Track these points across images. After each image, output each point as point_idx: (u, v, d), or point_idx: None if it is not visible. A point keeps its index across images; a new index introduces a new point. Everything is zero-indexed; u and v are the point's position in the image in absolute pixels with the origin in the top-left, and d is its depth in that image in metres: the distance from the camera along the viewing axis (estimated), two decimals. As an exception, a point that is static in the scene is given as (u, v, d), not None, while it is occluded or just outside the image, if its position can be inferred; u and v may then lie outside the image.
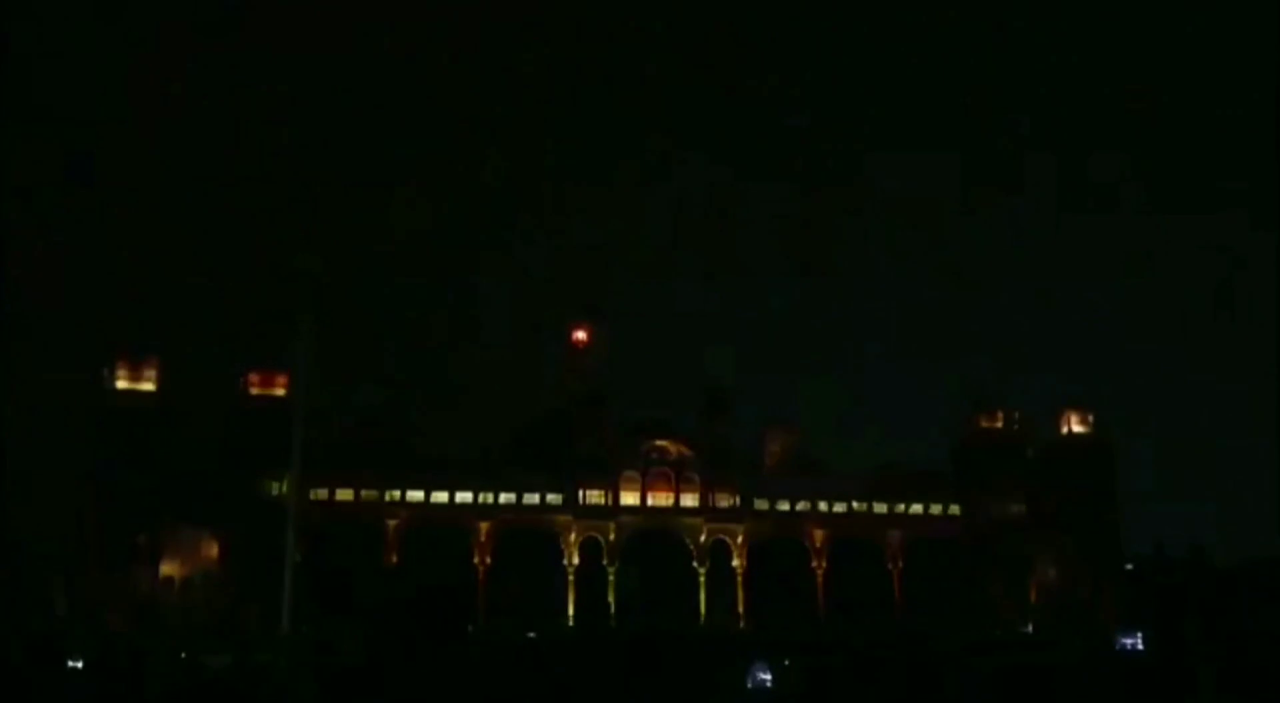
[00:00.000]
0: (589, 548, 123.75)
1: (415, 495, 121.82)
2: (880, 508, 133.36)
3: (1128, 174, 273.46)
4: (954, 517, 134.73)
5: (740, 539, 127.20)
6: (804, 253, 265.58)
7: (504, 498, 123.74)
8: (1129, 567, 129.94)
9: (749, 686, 43.47)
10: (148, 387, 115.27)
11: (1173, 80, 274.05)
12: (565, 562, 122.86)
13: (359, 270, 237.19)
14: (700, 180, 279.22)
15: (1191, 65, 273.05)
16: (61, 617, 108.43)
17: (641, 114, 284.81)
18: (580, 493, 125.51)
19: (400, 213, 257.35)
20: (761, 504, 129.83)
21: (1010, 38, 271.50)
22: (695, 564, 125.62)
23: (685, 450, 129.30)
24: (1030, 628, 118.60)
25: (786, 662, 52.05)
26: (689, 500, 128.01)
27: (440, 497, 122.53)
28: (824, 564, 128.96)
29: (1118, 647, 56.66)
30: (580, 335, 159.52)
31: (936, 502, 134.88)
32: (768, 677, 43.54)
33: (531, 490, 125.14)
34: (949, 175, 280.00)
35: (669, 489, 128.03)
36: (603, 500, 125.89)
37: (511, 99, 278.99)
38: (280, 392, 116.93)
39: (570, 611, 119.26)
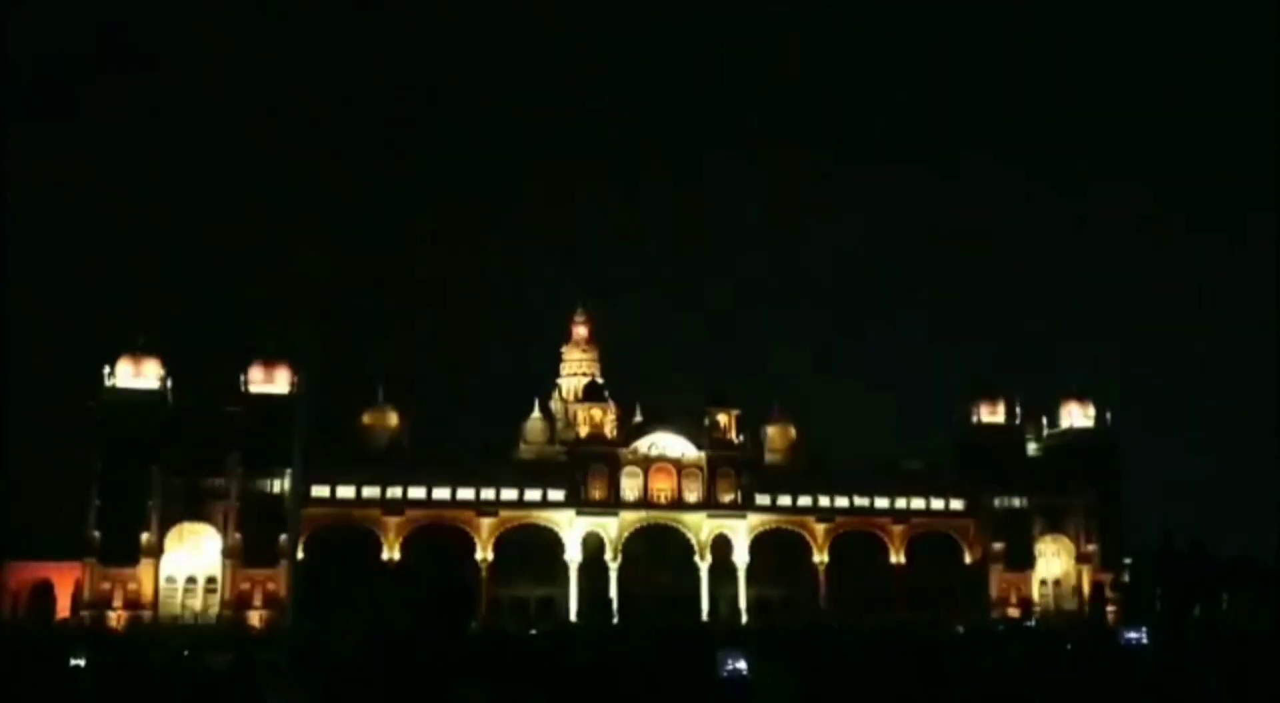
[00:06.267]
0: (591, 544, 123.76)
1: (417, 493, 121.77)
2: (882, 502, 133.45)
3: (1134, 172, 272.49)
4: (956, 511, 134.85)
5: (742, 534, 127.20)
6: (804, 246, 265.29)
7: (505, 494, 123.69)
8: (1127, 561, 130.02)
9: (723, 674, 42.67)
10: (149, 384, 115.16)
11: (1173, 81, 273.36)
12: (567, 558, 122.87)
13: (359, 267, 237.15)
14: (707, 175, 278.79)
15: (1189, 66, 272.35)
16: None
17: (657, 110, 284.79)
18: (582, 489, 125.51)
19: (400, 209, 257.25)
20: (763, 499, 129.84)
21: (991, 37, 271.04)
22: (697, 559, 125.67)
23: (687, 445, 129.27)
24: (1034, 622, 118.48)
25: (761, 651, 51.51)
26: (691, 496, 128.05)
27: (442, 494, 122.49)
28: (826, 559, 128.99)
29: (1122, 642, 56.51)
30: (581, 330, 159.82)
31: (939, 496, 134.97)
32: (743, 665, 42.78)
33: (533, 487, 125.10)
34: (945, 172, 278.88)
35: (671, 484, 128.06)
36: (604, 496, 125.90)
37: (509, 90, 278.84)
38: (282, 390, 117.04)
39: (573, 607, 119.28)
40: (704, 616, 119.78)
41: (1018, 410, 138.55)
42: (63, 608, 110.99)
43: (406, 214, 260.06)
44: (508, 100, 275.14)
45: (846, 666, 53.79)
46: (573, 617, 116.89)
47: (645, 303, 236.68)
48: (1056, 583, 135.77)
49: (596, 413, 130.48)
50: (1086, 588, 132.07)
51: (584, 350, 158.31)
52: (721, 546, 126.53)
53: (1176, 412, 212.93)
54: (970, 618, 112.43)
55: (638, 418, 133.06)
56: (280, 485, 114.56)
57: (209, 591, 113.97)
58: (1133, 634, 55.15)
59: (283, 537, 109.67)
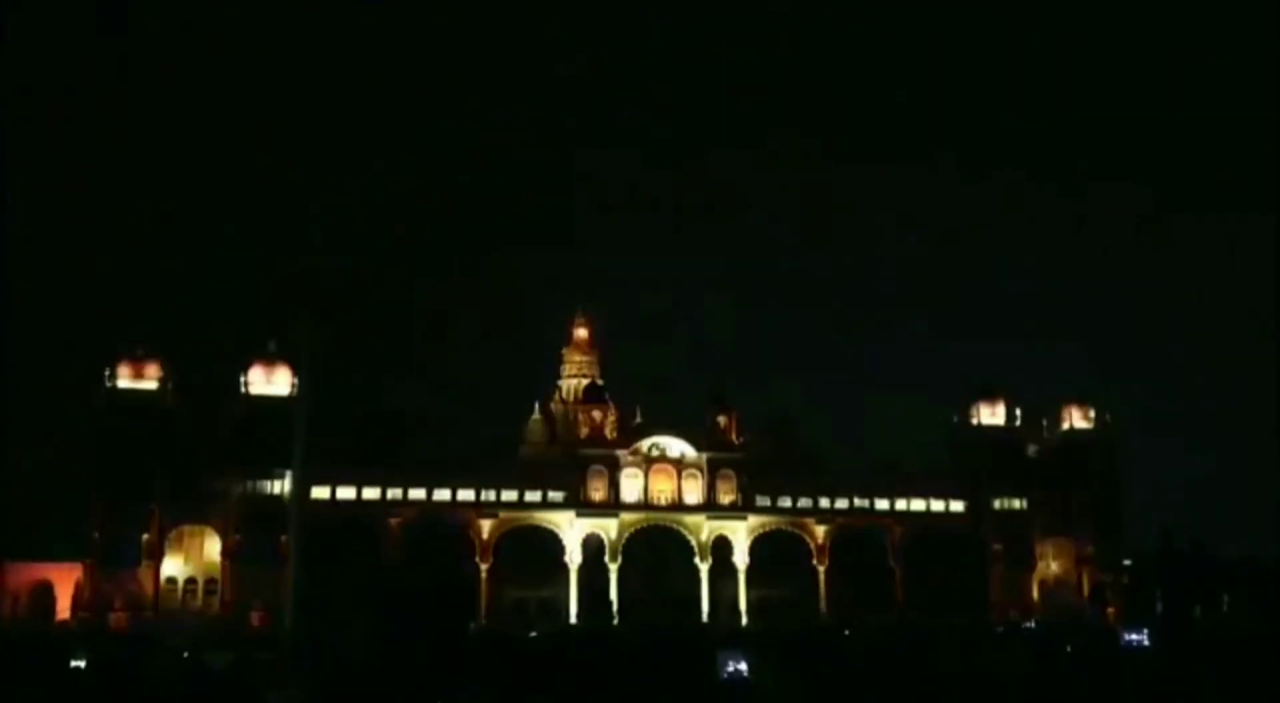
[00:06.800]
0: (591, 545, 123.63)
1: (417, 494, 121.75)
2: (882, 504, 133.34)
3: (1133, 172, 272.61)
4: (956, 512, 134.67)
5: (742, 535, 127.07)
6: (806, 243, 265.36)
7: (506, 496, 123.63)
8: (1127, 562, 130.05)
9: (723, 676, 42.85)
10: (149, 385, 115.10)
11: (1173, 81, 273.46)
12: (567, 559, 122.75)
13: (360, 268, 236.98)
14: (704, 171, 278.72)
15: (1188, 66, 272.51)
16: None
17: (658, 110, 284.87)
18: (582, 490, 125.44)
19: (401, 210, 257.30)
20: (763, 500, 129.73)
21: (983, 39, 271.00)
22: (697, 561, 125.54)
23: (687, 446, 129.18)
24: (1033, 624, 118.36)
25: (761, 652, 51.65)
26: (691, 497, 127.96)
27: (442, 495, 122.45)
28: (826, 560, 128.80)
29: (1123, 643, 56.53)
30: (581, 332, 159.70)
31: (938, 497, 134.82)
32: (743, 666, 42.93)
33: (533, 487, 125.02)
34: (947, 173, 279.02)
35: (671, 486, 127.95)
36: (605, 497, 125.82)
37: (509, 90, 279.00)
38: (282, 390, 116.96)
39: (573, 608, 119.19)
40: (704, 617, 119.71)
41: (1018, 411, 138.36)
42: (63, 608, 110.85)
43: (407, 215, 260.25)
44: (509, 100, 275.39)
45: (846, 666, 53.82)
46: (573, 618, 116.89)
47: (645, 303, 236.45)
48: (1057, 583, 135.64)
49: (597, 414, 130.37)
50: (1086, 588, 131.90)
51: (584, 352, 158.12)
52: (721, 547, 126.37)
53: (1176, 412, 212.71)
54: (970, 618, 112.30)
55: (638, 419, 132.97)
56: (280, 486, 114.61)
57: (209, 591, 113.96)
58: (1133, 635, 55.21)
59: (283, 537, 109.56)
